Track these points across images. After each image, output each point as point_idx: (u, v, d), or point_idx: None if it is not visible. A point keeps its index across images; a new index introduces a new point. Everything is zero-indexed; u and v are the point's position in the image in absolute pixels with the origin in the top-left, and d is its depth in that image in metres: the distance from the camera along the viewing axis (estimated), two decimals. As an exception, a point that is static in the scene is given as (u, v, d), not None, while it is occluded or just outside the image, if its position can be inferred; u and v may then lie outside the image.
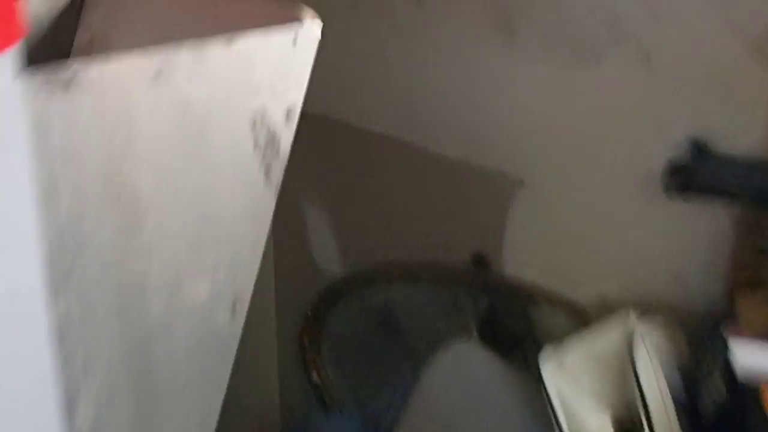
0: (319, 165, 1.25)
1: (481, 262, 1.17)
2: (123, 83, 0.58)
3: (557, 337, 1.02)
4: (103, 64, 0.57)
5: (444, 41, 1.17)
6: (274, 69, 0.67)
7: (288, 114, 0.69)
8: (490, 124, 1.15)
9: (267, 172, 0.70)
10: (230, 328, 0.79)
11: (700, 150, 1.01)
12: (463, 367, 1.03)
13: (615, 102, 1.07)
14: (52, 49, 0.85)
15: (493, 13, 1.12)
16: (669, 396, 0.91)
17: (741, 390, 0.86)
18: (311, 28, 0.70)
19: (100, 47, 0.83)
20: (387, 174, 1.24)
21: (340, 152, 1.27)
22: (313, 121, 1.33)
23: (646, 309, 1.03)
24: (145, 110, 0.60)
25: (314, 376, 1.24)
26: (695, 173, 1.02)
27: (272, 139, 0.69)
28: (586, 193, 1.11)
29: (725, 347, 0.89)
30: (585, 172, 1.11)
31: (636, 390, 0.91)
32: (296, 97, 0.70)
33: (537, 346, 1.01)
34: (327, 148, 1.25)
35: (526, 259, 1.17)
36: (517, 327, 1.18)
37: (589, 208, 1.11)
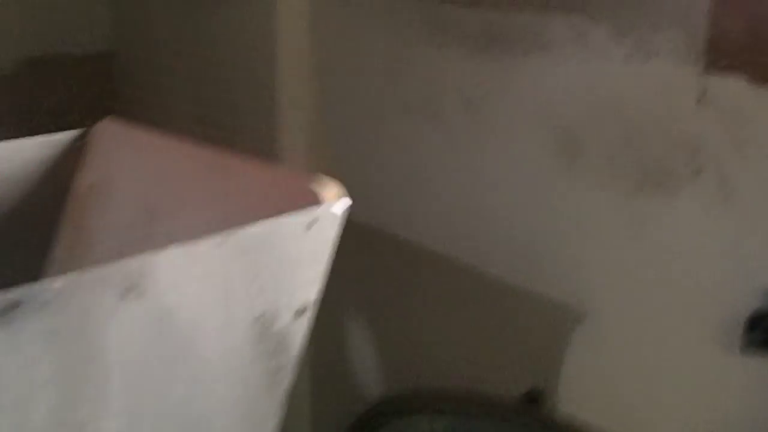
0: (361, 277, 1.17)
1: (534, 397, 1.07)
2: (86, 302, 0.51)
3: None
4: (64, 281, 0.50)
5: (498, 153, 1.08)
6: (283, 262, 0.58)
7: (299, 312, 0.61)
8: (550, 249, 1.05)
9: (274, 375, 0.62)
10: None
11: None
12: None
13: (690, 238, 0.95)
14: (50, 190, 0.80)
15: (554, 128, 1.02)
16: None
17: None
18: (332, 208, 0.61)
19: (100, 195, 0.78)
20: (435, 292, 1.15)
21: (384, 265, 1.19)
22: (357, 230, 1.26)
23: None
24: (113, 330, 0.52)
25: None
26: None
27: (280, 342, 0.61)
28: (653, 335, 0.99)
29: None
30: (652, 311, 0.99)
31: None
32: (309, 294, 0.61)
33: None
34: (371, 259, 1.17)
35: (583, 398, 1.05)
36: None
37: (655, 352, 0.99)
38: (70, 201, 0.80)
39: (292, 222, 0.59)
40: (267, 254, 0.58)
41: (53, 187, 0.81)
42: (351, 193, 1.28)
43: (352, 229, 1.27)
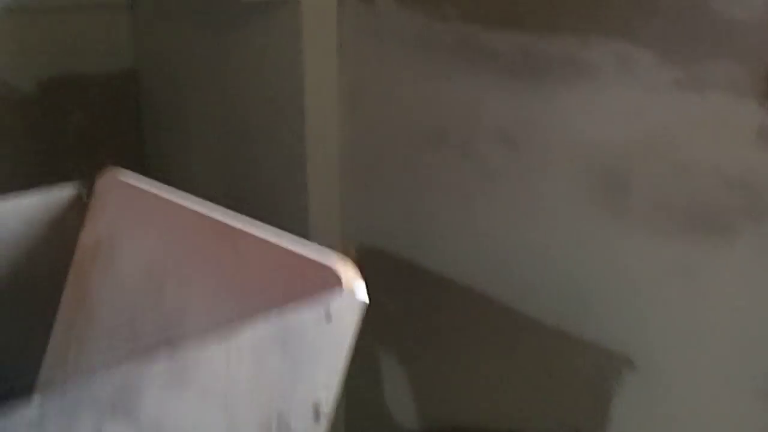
0: (397, 311, 1.10)
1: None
2: (66, 426, 0.45)
3: None
4: (42, 403, 0.44)
5: (537, 188, 1.00)
6: (297, 356, 0.52)
7: (317, 410, 0.55)
8: (593, 293, 0.97)
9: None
10: None
11: None
12: None
13: (747, 288, 0.86)
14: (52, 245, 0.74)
15: (596, 163, 0.94)
16: None
17: None
18: (353, 295, 0.54)
19: (104, 257, 0.72)
20: (472, 330, 1.08)
21: (421, 300, 1.12)
22: (392, 263, 1.19)
23: None
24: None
25: None
26: None
27: (296, 449, 0.54)
28: (703, 388, 0.91)
29: None
30: (702, 363, 0.91)
31: None
32: (328, 389, 0.54)
33: None
34: (406, 294, 1.11)
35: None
36: None
37: (705, 406, 0.92)
38: (73, 262, 0.74)
39: (308, 313, 0.52)
40: (279, 351, 0.52)
41: (56, 247, 0.75)
42: (384, 226, 1.22)
43: (386, 263, 1.20)
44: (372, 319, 1.14)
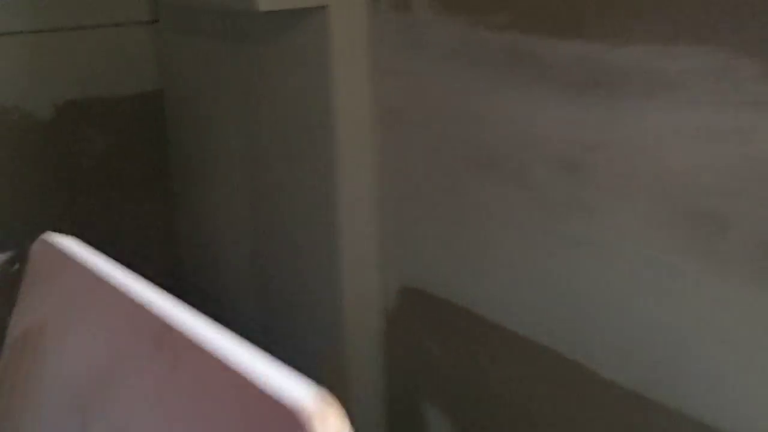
0: (438, 360, 0.95)
1: None
2: None
3: None
4: None
5: (607, 226, 0.83)
6: None
7: None
8: (677, 353, 0.80)
9: None
10: None
11: None
12: None
13: None
14: None
15: (683, 197, 0.77)
16: None
17: None
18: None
19: (32, 351, 0.58)
20: (535, 388, 0.92)
21: (471, 350, 0.97)
22: (437, 306, 1.04)
23: None
24: None
25: None
26: None
27: None
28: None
29: None
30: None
31: None
32: None
33: None
34: (455, 342, 0.96)
35: None
36: None
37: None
38: (3, 345, 0.60)
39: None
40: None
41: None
42: (429, 265, 1.07)
43: (431, 306, 1.05)
44: (417, 370, 0.97)
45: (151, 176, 1.61)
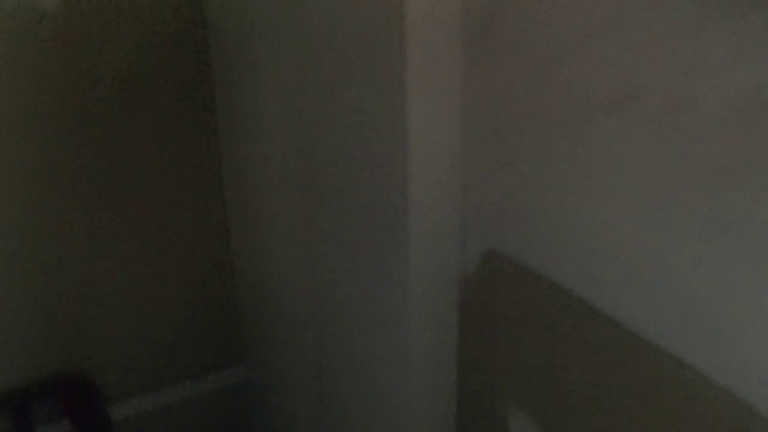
0: (536, 354, 0.71)
1: None
2: None
3: None
4: None
5: None
6: None
7: None
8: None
9: None
10: None
11: None
12: None
13: None
14: None
15: None
16: None
17: None
18: None
19: None
20: (631, 387, 0.67)
21: (572, 343, 0.72)
22: (533, 286, 0.79)
23: None
24: None
25: None
26: None
27: None
28: None
29: None
30: None
31: None
32: None
33: None
34: (553, 332, 0.71)
35: None
36: None
37: None
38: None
39: None
40: None
41: None
42: (526, 231, 0.80)
43: (525, 284, 0.80)
44: (500, 367, 0.74)
45: (193, 96, 1.37)
